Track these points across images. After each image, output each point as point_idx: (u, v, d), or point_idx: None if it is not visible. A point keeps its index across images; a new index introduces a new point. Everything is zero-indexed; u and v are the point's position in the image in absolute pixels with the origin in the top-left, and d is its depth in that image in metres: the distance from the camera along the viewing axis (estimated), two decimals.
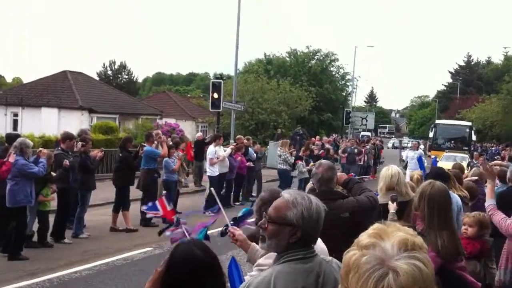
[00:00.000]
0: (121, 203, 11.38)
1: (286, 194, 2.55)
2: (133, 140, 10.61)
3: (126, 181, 11.46)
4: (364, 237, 1.49)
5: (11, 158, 8.58)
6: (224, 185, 14.68)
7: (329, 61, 51.06)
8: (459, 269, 3.73)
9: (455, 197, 5.28)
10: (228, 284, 2.88)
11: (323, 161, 4.85)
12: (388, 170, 5.16)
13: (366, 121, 40.26)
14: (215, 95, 20.39)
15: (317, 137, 27.66)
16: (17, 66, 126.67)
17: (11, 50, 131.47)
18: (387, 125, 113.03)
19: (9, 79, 69.16)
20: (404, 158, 21.98)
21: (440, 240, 3.60)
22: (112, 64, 63.32)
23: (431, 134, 35.06)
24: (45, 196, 9.72)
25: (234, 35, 23.07)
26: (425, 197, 3.81)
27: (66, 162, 9.85)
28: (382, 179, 5.13)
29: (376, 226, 1.52)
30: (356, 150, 21.88)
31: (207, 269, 2.46)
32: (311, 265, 2.40)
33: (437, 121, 39.24)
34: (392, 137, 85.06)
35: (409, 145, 36.87)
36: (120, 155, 11.71)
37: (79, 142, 10.45)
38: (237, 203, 15.36)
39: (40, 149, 9.16)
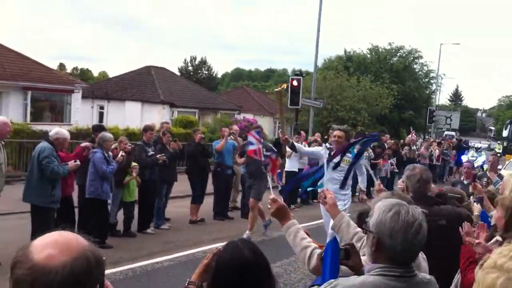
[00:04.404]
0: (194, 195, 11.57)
1: (382, 197, 2.37)
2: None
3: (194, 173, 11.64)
4: (506, 259, 1.38)
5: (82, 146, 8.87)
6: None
7: (412, 58, 49.48)
8: None
9: None
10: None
11: (415, 164, 4.61)
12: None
13: (451, 120, 38.68)
14: (295, 83, 20.23)
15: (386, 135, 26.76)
16: (103, 60, 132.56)
17: (99, 45, 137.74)
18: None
19: (95, 73, 72.36)
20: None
21: None
22: (193, 60, 64.75)
23: (505, 133, 29.66)
24: (128, 184, 9.93)
25: (315, 31, 22.81)
26: None
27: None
28: (509, 186, 4.70)
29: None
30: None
31: (255, 273, 2.31)
32: (405, 286, 2.17)
33: None
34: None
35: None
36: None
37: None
38: (315, 201, 15.14)
39: (121, 153, 9.23)
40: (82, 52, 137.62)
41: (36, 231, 7.68)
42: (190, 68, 64.60)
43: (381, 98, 37.92)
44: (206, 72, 65.07)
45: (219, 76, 75.01)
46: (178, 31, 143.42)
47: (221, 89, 69.72)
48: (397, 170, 17.28)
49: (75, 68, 68.62)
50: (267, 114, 42.05)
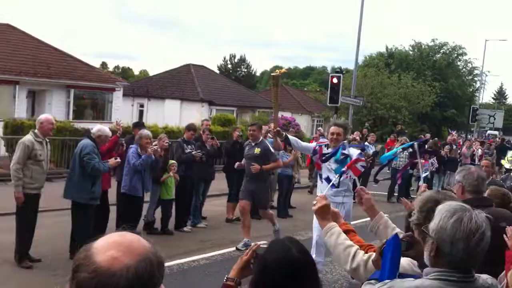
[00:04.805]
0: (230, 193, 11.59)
1: (426, 196, 2.28)
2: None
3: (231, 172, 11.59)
4: None
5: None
6: None
7: (456, 54, 48.32)
8: None
9: None
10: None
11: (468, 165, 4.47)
12: None
13: (494, 119, 37.62)
14: (335, 80, 20.03)
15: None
16: (144, 59, 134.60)
17: (140, 44, 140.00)
18: None
19: (136, 72, 73.54)
20: None
21: None
22: (232, 58, 64.96)
23: None
24: (166, 181, 10.02)
25: (355, 28, 22.53)
26: None
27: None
28: None
29: None
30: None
31: (304, 272, 2.27)
32: None
33: None
34: None
35: None
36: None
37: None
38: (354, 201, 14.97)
39: (152, 147, 9.14)
40: (123, 50, 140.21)
41: (76, 228, 7.87)
42: (229, 66, 64.83)
43: (423, 96, 37.20)
44: (245, 70, 65.15)
45: (258, 74, 75.04)
46: (218, 29, 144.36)
47: (260, 87, 69.79)
48: (436, 170, 16.87)
49: (117, 67, 69.99)
50: (305, 112, 41.85)
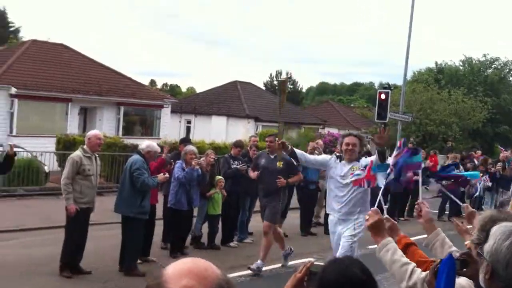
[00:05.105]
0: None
1: (487, 215, 2.18)
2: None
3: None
4: None
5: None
6: (389, 197, 14.05)
7: (508, 70, 46.93)
8: None
9: None
10: None
11: None
12: None
13: None
14: (383, 96, 19.78)
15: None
16: (191, 76, 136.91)
17: (187, 61, 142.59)
18: None
19: (184, 89, 74.85)
20: None
21: None
22: (279, 74, 65.22)
23: None
24: (213, 197, 10.07)
25: (403, 44, 22.22)
26: None
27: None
28: None
29: None
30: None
31: None
32: None
33: None
34: None
35: None
36: None
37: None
38: (401, 218, 14.63)
39: (196, 160, 9.26)
40: (171, 68, 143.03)
41: (126, 241, 8.00)
42: (275, 82, 65.10)
43: (474, 112, 36.21)
44: (291, 87, 65.21)
45: (303, 90, 75.04)
46: (264, 46, 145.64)
47: (306, 103, 69.67)
48: (488, 188, 16.32)
49: (165, 84, 71.44)
50: (352, 128, 41.47)
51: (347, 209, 6.55)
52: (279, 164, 8.59)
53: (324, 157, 7.37)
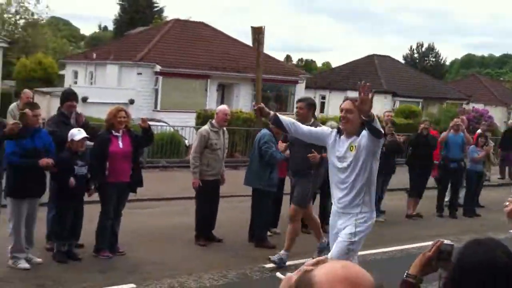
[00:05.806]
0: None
1: None
2: None
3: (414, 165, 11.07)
4: None
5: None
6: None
7: None
8: None
9: None
10: None
11: None
12: None
13: None
14: None
15: None
16: (328, 51, 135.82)
17: (325, 36, 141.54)
18: None
19: (319, 64, 74.36)
20: None
21: None
22: (419, 47, 62.24)
23: None
24: None
25: None
26: None
27: None
28: None
29: None
30: None
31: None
32: None
33: None
34: None
35: None
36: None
37: None
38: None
39: None
40: (308, 43, 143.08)
41: (256, 213, 8.21)
42: (416, 55, 62.23)
43: None
44: (433, 60, 61.96)
45: (447, 63, 70.77)
46: (405, 17, 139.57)
47: (449, 77, 65.80)
48: None
49: (300, 60, 71.45)
50: (500, 104, 38.33)
51: (347, 200, 5.03)
52: None
53: (322, 129, 5.63)
